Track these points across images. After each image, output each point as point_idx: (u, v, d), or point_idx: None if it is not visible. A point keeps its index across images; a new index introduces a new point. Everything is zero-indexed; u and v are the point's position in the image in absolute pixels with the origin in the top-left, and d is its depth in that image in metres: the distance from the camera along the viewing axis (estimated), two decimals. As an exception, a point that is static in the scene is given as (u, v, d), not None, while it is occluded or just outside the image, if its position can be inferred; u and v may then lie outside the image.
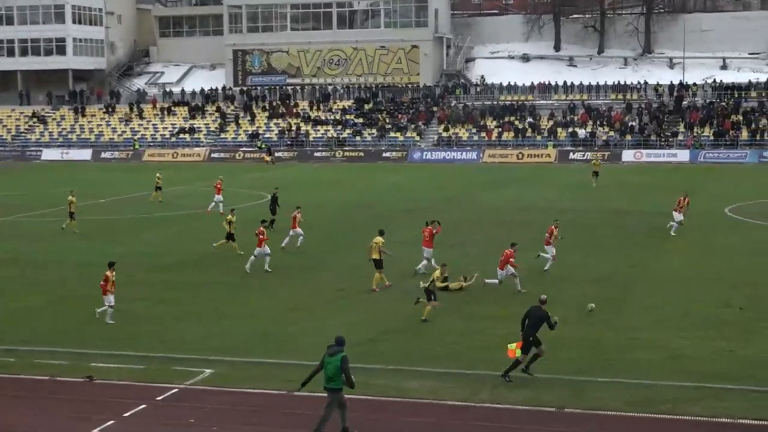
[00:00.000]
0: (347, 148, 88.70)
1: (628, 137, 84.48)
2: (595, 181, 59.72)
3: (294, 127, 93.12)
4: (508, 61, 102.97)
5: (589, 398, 19.33)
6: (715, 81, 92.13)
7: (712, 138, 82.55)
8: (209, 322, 26.02)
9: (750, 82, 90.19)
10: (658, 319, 25.64)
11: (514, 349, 20.42)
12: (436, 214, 47.62)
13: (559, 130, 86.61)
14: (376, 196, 56.46)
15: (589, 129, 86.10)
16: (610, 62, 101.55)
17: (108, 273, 25.84)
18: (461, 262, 33.04)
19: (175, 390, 20.06)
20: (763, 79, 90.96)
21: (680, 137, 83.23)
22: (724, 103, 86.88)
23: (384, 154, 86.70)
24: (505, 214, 47.67)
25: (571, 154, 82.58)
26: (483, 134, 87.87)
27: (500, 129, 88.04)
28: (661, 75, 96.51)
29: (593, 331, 24.46)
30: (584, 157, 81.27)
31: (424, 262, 32.20)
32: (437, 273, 26.82)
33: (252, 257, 32.92)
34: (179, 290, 29.89)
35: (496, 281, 29.26)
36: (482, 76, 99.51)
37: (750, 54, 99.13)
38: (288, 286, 30.76)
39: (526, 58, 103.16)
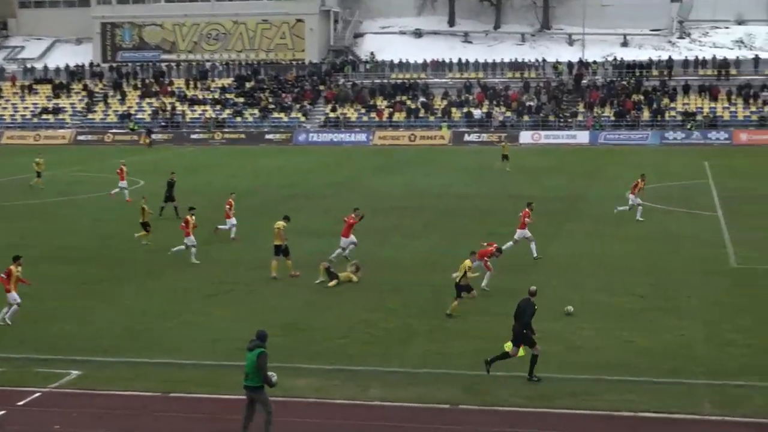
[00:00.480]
0: (227, 130, 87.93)
1: (526, 118, 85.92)
2: (506, 165, 60.51)
3: (168, 107, 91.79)
4: (400, 37, 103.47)
5: (485, 394, 19.64)
6: (615, 59, 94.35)
7: (612, 118, 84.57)
8: (75, 319, 25.50)
9: (651, 60, 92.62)
10: (557, 309, 26.17)
11: (512, 346, 20.66)
12: (323, 201, 47.63)
13: (454, 110, 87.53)
14: (258, 182, 56.12)
15: (485, 109, 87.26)
16: (507, 38, 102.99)
17: (12, 267, 25.19)
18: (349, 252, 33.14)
19: (38, 394, 19.62)
20: (665, 56, 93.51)
21: (580, 118, 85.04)
22: (625, 82, 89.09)
23: (267, 137, 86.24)
24: (397, 200, 47.97)
25: (467, 135, 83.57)
26: (373, 115, 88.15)
27: (391, 109, 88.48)
28: (560, 52, 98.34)
29: (489, 323, 24.82)
30: (480, 139, 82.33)
31: (339, 250, 32.31)
32: (468, 263, 26.09)
33: (181, 247, 33.06)
34: (43, 285, 29.19)
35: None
36: (372, 53, 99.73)
37: (651, 30, 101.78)
38: (165, 280, 30.37)
39: (418, 34, 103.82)
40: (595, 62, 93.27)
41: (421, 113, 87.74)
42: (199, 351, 22.41)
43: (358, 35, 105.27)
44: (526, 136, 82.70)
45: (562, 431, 17.87)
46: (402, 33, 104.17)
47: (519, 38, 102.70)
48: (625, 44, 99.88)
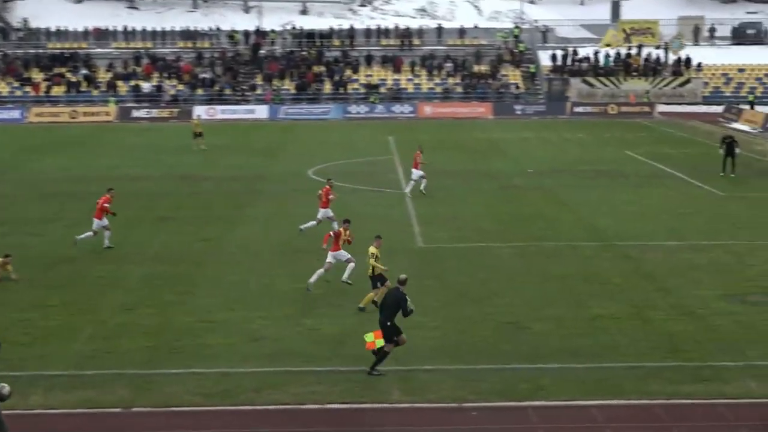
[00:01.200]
0: None
1: (200, 91, 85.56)
2: (201, 143, 59.82)
3: None
4: (57, 2, 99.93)
5: (160, 393, 19.46)
6: (294, 27, 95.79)
7: (293, 92, 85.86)
8: None
9: (332, 29, 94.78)
10: (236, 298, 26.33)
11: (373, 340, 20.39)
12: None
13: (120, 83, 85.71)
14: None
15: (154, 82, 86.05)
16: (177, 5, 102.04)
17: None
18: None
19: None
20: (346, 25, 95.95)
21: (258, 91, 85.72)
22: (305, 53, 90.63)
23: None
24: (57, 185, 46.43)
25: (135, 111, 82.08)
26: (28, 89, 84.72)
27: (49, 82, 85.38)
28: (235, 20, 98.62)
29: (160, 315, 24.61)
30: (149, 115, 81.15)
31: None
32: (373, 249, 25.23)
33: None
34: None
35: None
36: (25, 19, 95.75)
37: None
38: None
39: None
40: (273, 31, 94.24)
41: (83, 87, 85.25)
42: None
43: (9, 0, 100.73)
44: (200, 112, 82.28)
45: (247, 428, 18.04)
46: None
47: (190, 5, 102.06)
48: (304, 12, 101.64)
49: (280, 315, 24.85)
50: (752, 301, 25.77)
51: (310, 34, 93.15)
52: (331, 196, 34.39)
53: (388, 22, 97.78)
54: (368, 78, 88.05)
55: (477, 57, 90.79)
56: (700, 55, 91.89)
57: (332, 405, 18.97)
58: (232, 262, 30.72)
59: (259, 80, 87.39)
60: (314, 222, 34.49)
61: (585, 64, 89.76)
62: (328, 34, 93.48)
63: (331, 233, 27.70)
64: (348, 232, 27.49)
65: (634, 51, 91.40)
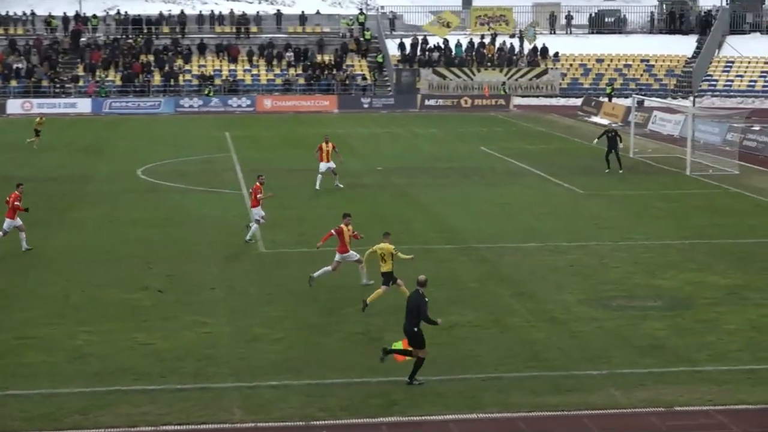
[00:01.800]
0: None
1: (14, 83, 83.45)
2: (35, 143, 58.22)
3: None
4: None
5: (-27, 421, 18.88)
6: (119, 13, 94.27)
7: (118, 83, 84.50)
8: None
9: (161, 14, 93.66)
10: (57, 312, 25.76)
11: (401, 347, 20.41)
12: None
13: None
14: None
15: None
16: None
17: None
18: None
19: None
20: (176, 11, 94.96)
21: (80, 83, 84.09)
22: (131, 41, 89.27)
23: None
24: None
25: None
26: None
27: None
28: (52, 4, 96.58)
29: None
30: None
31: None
32: (389, 246, 26.04)
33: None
34: None
35: None
36: None
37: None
38: None
39: None
40: (95, 17, 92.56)
41: None
42: None
43: None
44: (15, 106, 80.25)
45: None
46: None
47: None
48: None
49: (107, 329, 24.39)
50: (615, 306, 26.45)
51: (137, 21, 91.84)
52: (259, 195, 33.95)
53: (223, 8, 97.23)
54: (201, 69, 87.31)
55: (320, 46, 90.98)
56: (557, 44, 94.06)
57: (167, 427, 18.70)
58: (53, 272, 30.03)
59: (80, 71, 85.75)
60: (254, 225, 34.09)
61: (436, 54, 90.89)
62: (157, 21, 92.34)
63: (333, 231, 27.72)
64: (350, 228, 27.70)
65: (487, 40, 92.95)
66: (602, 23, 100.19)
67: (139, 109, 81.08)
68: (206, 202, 42.14)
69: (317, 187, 44.16)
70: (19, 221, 32.46)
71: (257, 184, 34.57)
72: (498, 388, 20.46)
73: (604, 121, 74.03)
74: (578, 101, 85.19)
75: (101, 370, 21.51)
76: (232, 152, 57.45)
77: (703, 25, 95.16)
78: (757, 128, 60.42)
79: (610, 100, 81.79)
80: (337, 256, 27.99)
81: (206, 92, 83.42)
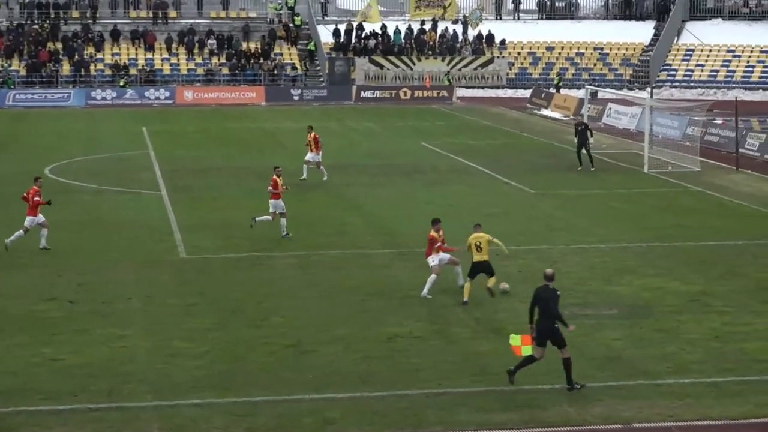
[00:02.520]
0: None
1: None
2: None
3: None
4: None
5: None
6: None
7: (23, 73, 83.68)
8: None
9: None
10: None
11: (520, 344, 21.08)
12: None
13: None
14: None
15: None
16: None
17: None
18: None
19: None
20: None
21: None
22: (37, 26, 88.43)
23: None
24: None
25: None
26: None
27: None
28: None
29: None
30: None
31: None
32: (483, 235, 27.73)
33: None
34: None
35: None
36: None
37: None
38: None
39: None
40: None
41: None
42: None
43: None
44: None
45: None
46: None
47: None
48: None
49: (12, 344, 24.18)
50: (568, 314, 26.56)
51: (43, 4, 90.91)
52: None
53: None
54: (115, 57, 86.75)
55: (245, 33, 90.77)
56: (504, 31, 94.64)
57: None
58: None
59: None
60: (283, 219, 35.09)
61: (372, 41, 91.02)
62: (66, 5, 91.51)
63: (437, 236, 28.19)
64: (441, 233, 28.39)
65: (428, 26, 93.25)
66: (553, 8, 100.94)
67: (46, 102, 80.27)
68: (121, 203, 41.86)
69: (303, 177, 45.70)
70: (41, 217, 33.38)
71: (275, 176, 35.57)
72: (442, 405, 20.51)
73: (555, 115, 74.66)
74: (527, 93, 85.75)
75: (5, 389, 21.29)
76: (149, 149, 57.13)
77: (660, 10, 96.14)
78: (720, 122, 61.18)
79: (557, 92, 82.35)
80: (433, 260, 28.36)
81: (120, 83, 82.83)
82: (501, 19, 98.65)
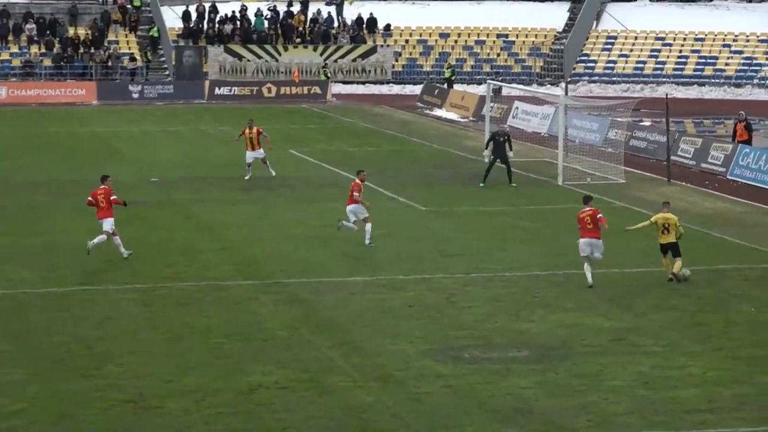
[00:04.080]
0: None
1: None
2: None
3: None
4: None
5: None
6: None
7: None
8: None
9: None
10: None
11: None
12: None
13: None
14: None
15: None
16: None
17: None
18: None
19: None
20: None
21: None
22: None
23: None
24: None
25: None
26: None
27: None
28: None
29: None
30: None
31: None
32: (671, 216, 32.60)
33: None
34: None
35: None
36: None
37: None
38: None
39: None
40: None
41: None
42: None
43: None
44: None
45: None
46: None
47: None
48: None
49: None
50: (468, 358, 26.71)
51: None
52: (356, 194, 37.70)
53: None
54: None
55: (72, 16, 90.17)
56: (389, 13, 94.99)
57: None
58: None
59: None
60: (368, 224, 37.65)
61: (229, 27, 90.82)
62: None
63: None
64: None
65: (296, 8, 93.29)
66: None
67: None
68: None
69: (246, 178, 48.56)
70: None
71: (357, 180, 38.43)
72: (316, 470, 20.48)
73: (451, 115, 75.11)
74: (417, 89, 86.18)
75: None
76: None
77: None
78: (647, 123, 62.13)
79: (450, 87, 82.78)
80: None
81: None
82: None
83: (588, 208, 32.87)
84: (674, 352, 27.05)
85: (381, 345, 27.61)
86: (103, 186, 36.18)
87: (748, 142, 53.88)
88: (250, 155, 50.00)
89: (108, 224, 35.64)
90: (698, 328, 29.10)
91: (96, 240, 35.28)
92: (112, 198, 35.80)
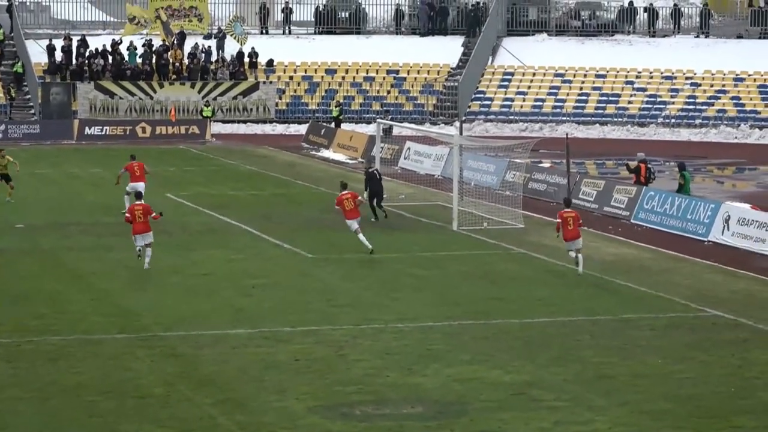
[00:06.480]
0: None
1: None
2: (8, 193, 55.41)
3: None
4: None
5: None
6: None
7: None
8: None
9: None
10: None
11: None
12: None
13: None
14: None
15: None
16: None
17: None
18: None
19: None
20: None
21: None
22: None
23: None
24: None
25: None
26: None
27: None
28: None
29: None
30: None
31: None
32: None
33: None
34: None
35: None
36: None
37: None
38: None
39: None
40: None
41: None
42: None
43: None
44: None
45: None
46: None
47: None
48: None
49: None
50: (359, 415, 26.73)
51: None
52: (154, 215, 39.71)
53: None
54: None
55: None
56: (272, 48, 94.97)
57: None
58: None
59: None
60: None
61: (100, 62, 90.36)
62: None
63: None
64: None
65: (174, 42, 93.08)
66: (334, 20, 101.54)
67: None
68: None
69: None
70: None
71: (346, 192, 44.47)
72: None
73: (339, 156, 75.24)
74: (302, 128, 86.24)
75: None
76: None
77: (471, 22, 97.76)
78: (547, 165, 62.56)
79: (337, 126, 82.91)
80: None
81: None
82: (267, 33, 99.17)
83: (570, 210, 40.39)
84: (578, 407, 27.24)
85: (266, 402, 27.57)
86: (141, 203, 41.58)
87: (645, 184, 53.91)
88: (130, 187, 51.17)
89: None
90: (603, 381, 29.31)
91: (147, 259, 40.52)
92: (153, 215, 41.09)
